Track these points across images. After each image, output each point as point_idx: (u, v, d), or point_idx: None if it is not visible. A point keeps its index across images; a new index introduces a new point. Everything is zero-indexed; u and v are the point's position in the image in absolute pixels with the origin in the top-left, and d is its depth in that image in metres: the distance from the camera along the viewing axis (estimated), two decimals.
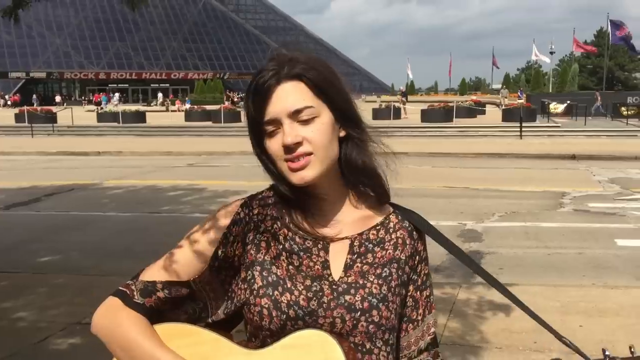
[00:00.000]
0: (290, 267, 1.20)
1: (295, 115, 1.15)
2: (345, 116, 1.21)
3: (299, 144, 1.14)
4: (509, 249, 7.57)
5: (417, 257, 1.28)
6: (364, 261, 1.22)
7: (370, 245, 1.24)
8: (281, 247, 1.21)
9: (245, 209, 1.24)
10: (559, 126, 26.25)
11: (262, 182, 1.29)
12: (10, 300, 5.49)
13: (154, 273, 1.23)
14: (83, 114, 38.75)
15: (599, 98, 34.02)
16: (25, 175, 15.55)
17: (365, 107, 34.58)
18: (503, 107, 31.58)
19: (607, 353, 1.14)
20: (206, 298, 1.24)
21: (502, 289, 1.33)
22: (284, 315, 1.15)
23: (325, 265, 1.21)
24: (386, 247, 1.25)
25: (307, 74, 1.16)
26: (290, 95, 1.15)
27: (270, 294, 1.17)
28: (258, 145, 1.21)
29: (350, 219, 1.26)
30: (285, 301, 1.16)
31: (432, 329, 1.31)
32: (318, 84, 1.17)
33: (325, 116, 1.17)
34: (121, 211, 10.01)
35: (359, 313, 1.17)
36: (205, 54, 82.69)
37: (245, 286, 1.21)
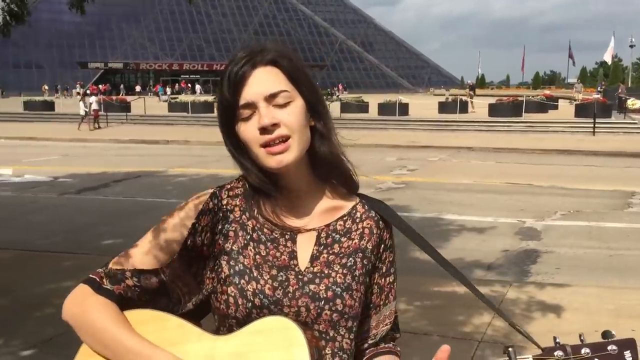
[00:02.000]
0: (257, 256, 1.21)
1: (271, 98, 1.16)
2: (314, 107, 1.23)
3: (275, 125, 1.15)
4: (569, 248, 7.33)
5: (383, 246, 1.29)
6: (330, 252, 1.24)
7: (337, 236, 1.26)
8: (249, 237, 1.23)
9: (214, 199, 1.25)
10: (635, 123, 25.02)
11: None
12: (72, 280, 5.78)
13: (123, 261, 1.23)
14: (155, 104, 40.05)
15: None
16: (97, 161, 16.28)
17: (431, 100, 34.15)
18: (576, 103, 30.33)
19: (557, 340, 1.13)
20: (180, 294, 1.25)
21: (460, 276, 1.30)
22: (250, 304, 1.17)
23: (292, 255, 1.23)
24: (352, 237, 1.26)
25: (281, 60, 1.19)
26: (266, 79, 1.17)
27: (237, 282, 1.18)
28: (229, 136, 1.23)
29: (318, 210, 1.27)
30: (251, 290, 1.18)
31: (394, 315, 1.33)
32: (291, 71, 1.19)
33: (299, 102, 1.19)
34: (183, 198, 10.27)
35: (322, 302, 1.19)
36: None
37: (213, 275, 1.23)
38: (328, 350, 1.20)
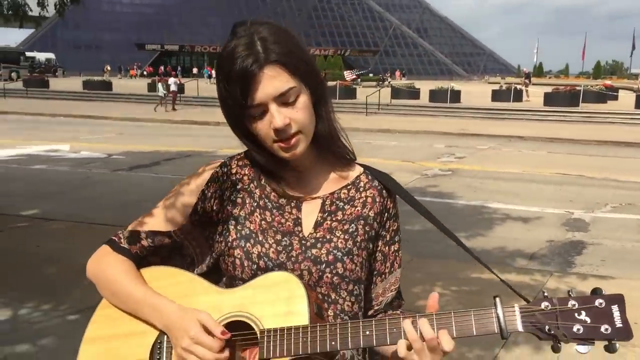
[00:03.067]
0: (263, 222, 1.28)
1: (280, 98, 1.19)
2: (315, 91, 1.26)
3: (288, 125, 1.20)
4: (617, 241, 7.13)
5: (386, 214, 1.35)
6: (334, 218, 1.30)
7: (341, 204, 1.32)
8: (256, 204, 1.30)
9: (223, 167, 1.34)
10: None
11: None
12: None
13: (141, 223, 1.35)
14: (208, 86, 40.66)
15: None
16: (150, 140, 16.71)
17: (485, 88, 33.46)
18: (639, 93, 29.18)
19: (545, 293, 1.13)
20: (193, 253, 1.34)
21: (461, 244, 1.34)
22: (255, 266, 1.24)
23: (297, 222, 1.29)
24: (355, 205, 1.32)
25: (284, 58, 1.19)
26: (273, 80, 1.18)
27: (243, 245, 1.26)
28: (237, 127, 1.27)
29: (323, 180, 1.34)
30: (256, 252, 1.25)
31: (398, 283, 1.38)
32: (294, 66, 1.21)
33: (304, 93, 1.23)
34: None
35: (324, 265, 1.25)
36: (328, 31, 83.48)
37: (222, 239, 1.30)
38: (330, 312, 1.26)
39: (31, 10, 6.95)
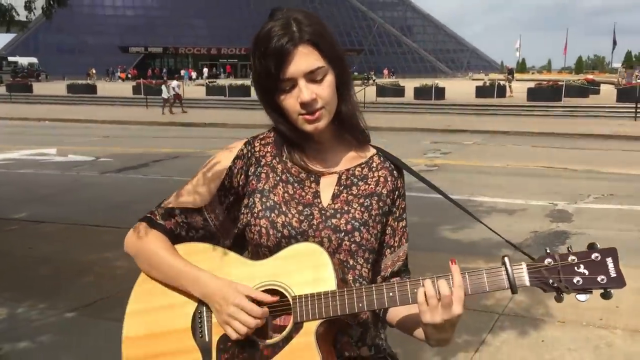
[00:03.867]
0: (286, 194, 1.41)
1: (309, 75, 1.33)
2: (340, 75, 1.39)
3: (314, 100, 1.33)
4: (599, 230, 7.31)
5: (397, 192, 1.49)
6: (350, 192, 1.43)
7: (355, 180, 1.45)
8: (278, 178, 1.43)
9: (248, 146, 1.46)
10: None
11: None
12: (112, 251, 6.09)
13: (174, 200, 1.46)
14: (193, 88, 40.64)
15: None
16: (137, 142, 16.73)
17: (469, 85, 33.77)
18: (619, 87, 29.60)
19: (547, 250, 1.26)
20: (216, 230, 1.45)
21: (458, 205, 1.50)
22: (279, 234, 1.36)
23: (316, 195, 1.42)
24: (369, 182, 1.45)
25: (317, 39, 1.33)
26: (305, 58, 1.32)
27: (268, 215, 1.38)
28: (266, 99, 1.40)
29: (340, 157, 1.47)
30: (280, 222, 1.37)
31: (405, 256, 1.51)
32: (325, 48, 1.34)
33: (330, 74, 1.36)
34: None
35: (342, 234, 1.37)
36: None
37: (247, 211, 1.42)
38: (350, 277, 1.39)
39: (18, 14, 7.00)
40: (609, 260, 1.24)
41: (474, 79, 52.58)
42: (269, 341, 1.32)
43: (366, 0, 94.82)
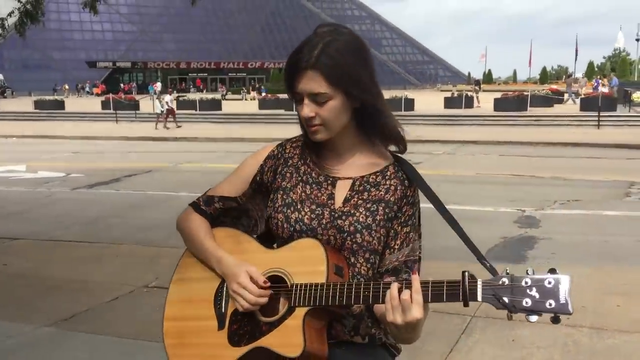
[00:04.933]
0: (303, 194, 1.61)
1: (312, 96, 1.52)
2: (360, 98, 1.56)
3: (313, 117, 1.54)
4: (566, 235, 7.54)
5: (405, 200, 1.62)
6: (360, 197, 1.60)
7: (368, 186, 1.61)
8: (299, 178, 1.64)
9: (280, 148, 1.70)
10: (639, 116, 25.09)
11: None
12: (88, 266, 6.09)
13: (214, 190, 1.74)
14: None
15: None
16: (108, 157, 16.61)
17: (438, 96, 34.33)
18: (580, 97, 30.41)
19: (507, 270, 1.38)
20: (256, 216, 1.73)
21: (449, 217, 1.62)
22: (292, 228, 1.58)
23: (331, 196, 1.61)
24: (380, 189, 1.61)
25: (328, 70, 1.49)
26: (311, 82, 1.51)
27: (285, 211, 1.60)
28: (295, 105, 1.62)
29: (357, 164, 1.64)
30: (294, 218, 1.59)
31: (406, 258, 1.62)
32: (331, 74, 1.50)
33: (337, 100, 1.53)
34: (192, 192, 10.54)
35: (345, 234, 1.56)
36: (282, 44, 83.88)
37: (271, 205, 1.65)
38: (350, 273, 1.56)
39: None
40: (561, 287, 1.31)
41: (442, 90, 53.37)
42: (267, 319, 1.55)
43: (334, 14, 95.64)
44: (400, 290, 1.39)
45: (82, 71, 71.42)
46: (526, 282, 1.33)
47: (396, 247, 1.60)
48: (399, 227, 1.61)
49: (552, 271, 1.34)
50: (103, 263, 6.21)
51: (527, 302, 1.31)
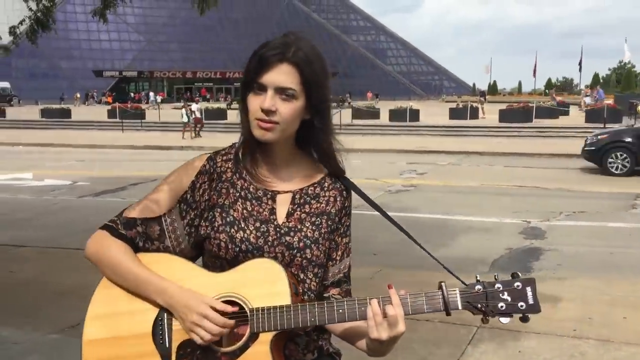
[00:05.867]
0: (245, 211, 1.50)
1: (279, 90, 1.44)
2: (315, 107, 1.50)
3: (272, 112, 1.43)
4: (571, 246, 7.54)
5: (344, 211, 1.61)
6: (302, 210, 1.54)
7: (308, 199, 1.56)
8: (238, 194, 1.52)
9: (210, 162, 1.54)
10: None
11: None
12: (94, 274, 6.09)
13: (133, 211, 1.54)
14: (170, 111, 40.53)
15: None
16: (114, 166, 16.68)
17: (442, 107, 34.38)
18: (584, 109, 30.43)
19: (477, 278, 1.43)
20: (174, 244, 1.53)
21: (397, 226, 1.61)
22: (237, 248, 1.47)
23: (272, 212, 1.52)
24: (320, 201, 1.57)
25: (303, 65, 1.44)
26: (282, 75, 1.44)
27: (228, 230, 1.48)
28: (243, 96, 1.50)
29: (295, 177, 1.57)
30: (239, 237, 1.47)
31: (347, 269, 1.63)
32: (307, 76, 1.45)
33: (300, 101, 1.46)
34: None
35: (295, 250, 1.50)
36: None
37: (207, 224, 1.50)
38: (300, 289, 1.50)
39: (0, 38, 7.05)
40: (528, 289, 1.39)
41: (446, 101, 53.40)
42: (226, 349, 1.42)
43: (339, 25, 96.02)
44: (379, 304, 1.39)
45: (89, 80, 71.75)
46: (498, 287, 1.40)
47: (338, 258, 1.59)
48: (339, 238, 1.59)
49: (515, 275, 1.42)
50: None
51: (502, 305, 1.38)
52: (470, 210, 9.73)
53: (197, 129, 25.84)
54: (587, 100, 29.61)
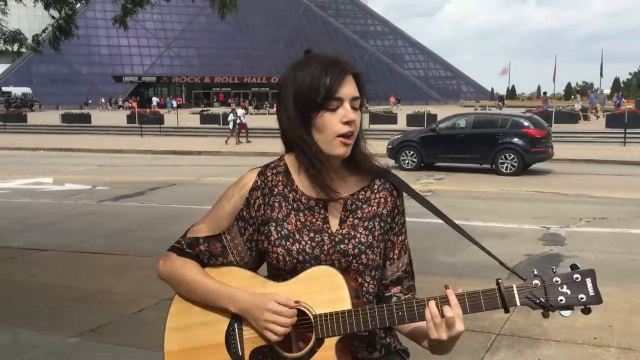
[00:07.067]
0: (298, 223, 1.54)
1: (353, 100, 1.50)
2: (361, 110, 1.57)
3: (353, 122, 1.49)
4: (591, 253, 7.44)
5: (396, 210, 1.63)
6: (355, 216, 1.57)
7: (360, 203, 1.58)
8: (290, 207, 1.55)
9: (261, 176, 1.58)
10: None
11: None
12: (113, 278, 6.17)
13: (196, 231, 1.61)
14: (188, 116, 40.84)
15: None
16: (133, 171, 16.84)
17: (460, 111, 34.12)
18: (601, 113, 30.10)
19: (535, 272, 1.42)
20: (237, 259, 1.59)
21: (457, 227, 1.63)
22: (295, 260, 1.51)
23: (325, 220, 1.55)
24: (372, 204, 1.59)
25: (360, 75, 1.54)
26: (353, 85, 1.51)
27: (284, 244, 1.52)
28: (303, 114, 1.49)
29: (345, 184, 1.59)
30: (295, 249, 1.51)
31: (405, 266, 1.65)
32: (362, 84, 1.54)
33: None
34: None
35: (351, 257, 1.53)
36: None
37: (264, 238, 1.55)
38: (361, 293, 1.53)
39: (26, 38, 7.19)
40: (588, 281, 1.38)
41: (465, 106, 53.17)
42: (294, 355, 1.48)
43: (357, 30, 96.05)
44: (437, 305, 1.41)
45: (108, 85, 72.58)
46: (556, 281, 1.39)
47: (395, 257, 1.62)
48: (395, 237, 1.62)
49: (574, 267, 1.40)
50: (128, 275, 6.28)
51: (561, 299, 1.38)
52: (489, 216, 9.66)
53: (243, 134, 25.37)
54: (577, 106, 29.26)
